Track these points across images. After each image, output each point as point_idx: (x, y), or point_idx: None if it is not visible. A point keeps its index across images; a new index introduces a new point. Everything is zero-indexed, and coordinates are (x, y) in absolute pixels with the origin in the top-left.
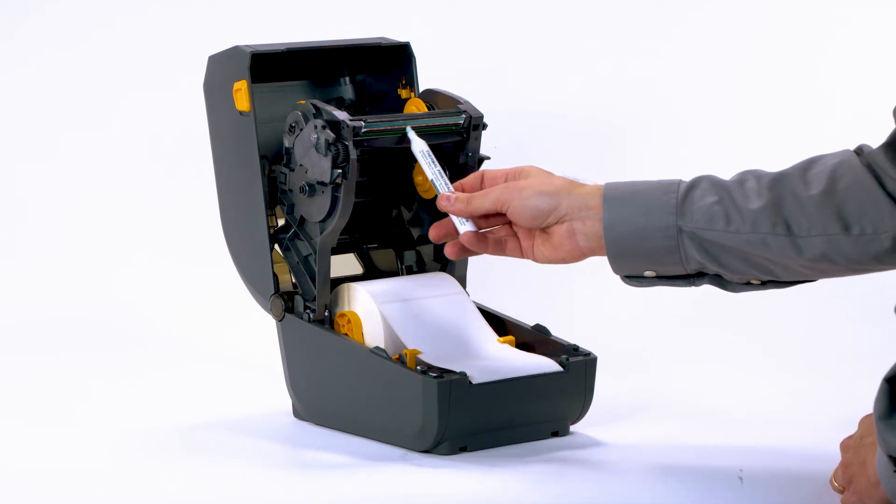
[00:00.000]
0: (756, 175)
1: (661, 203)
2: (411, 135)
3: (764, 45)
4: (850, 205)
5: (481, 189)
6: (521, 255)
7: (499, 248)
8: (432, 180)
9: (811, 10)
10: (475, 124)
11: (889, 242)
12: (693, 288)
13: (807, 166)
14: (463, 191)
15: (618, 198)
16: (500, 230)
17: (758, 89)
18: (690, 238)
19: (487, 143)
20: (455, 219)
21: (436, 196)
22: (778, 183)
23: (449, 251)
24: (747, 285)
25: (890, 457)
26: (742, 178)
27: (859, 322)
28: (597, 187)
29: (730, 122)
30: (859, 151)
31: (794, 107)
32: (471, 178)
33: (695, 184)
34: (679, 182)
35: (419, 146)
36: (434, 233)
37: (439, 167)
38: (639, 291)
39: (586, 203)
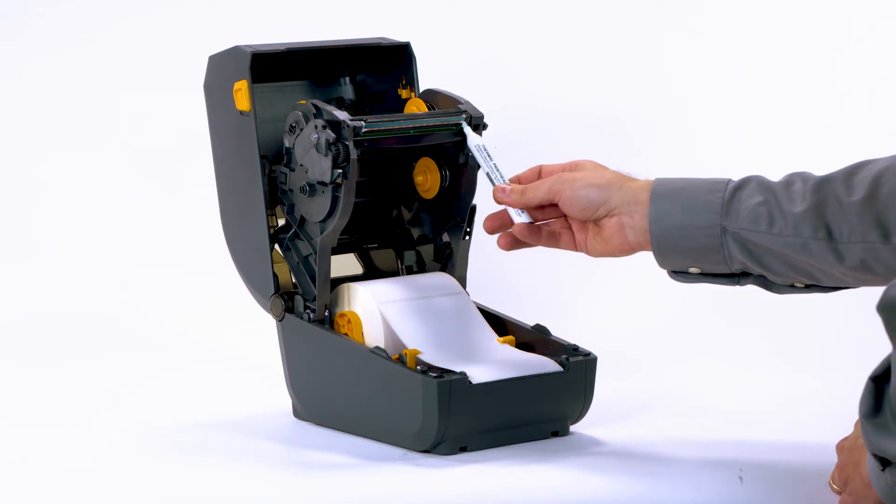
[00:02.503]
0: (803, 177)
1: (707, 201)
2: (467, 130)
3: (770, 41)
4: (891, 213)
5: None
6: (575, 248)
7: (552, 241)
8: (488, 174)
9: (818, 7)
10: (475, 124)
11: None
12: (738, 287)
13: (853, 170)
14: (519, 183)
15: (665, 193)
16: (555, 223)
17: (764, 87)
18: (734, 238)
19: (487, 143)
20: (511, 211)
21: (436, 196)
22: (823, 186)
23: (502, 242)
24: (791, 288)
25: (875, 455)
26: (789, 180)
27: (859, 322)
28: (647, 182)
29: (734, 120)
30: None
31: (800, 105)
32: (528, 172)
33: (743, 184)
34: (728, 181)
35: (475, 140)
36: (489, 224)
37: (496, 161)
38: (638, 292)
39: (636, 198)
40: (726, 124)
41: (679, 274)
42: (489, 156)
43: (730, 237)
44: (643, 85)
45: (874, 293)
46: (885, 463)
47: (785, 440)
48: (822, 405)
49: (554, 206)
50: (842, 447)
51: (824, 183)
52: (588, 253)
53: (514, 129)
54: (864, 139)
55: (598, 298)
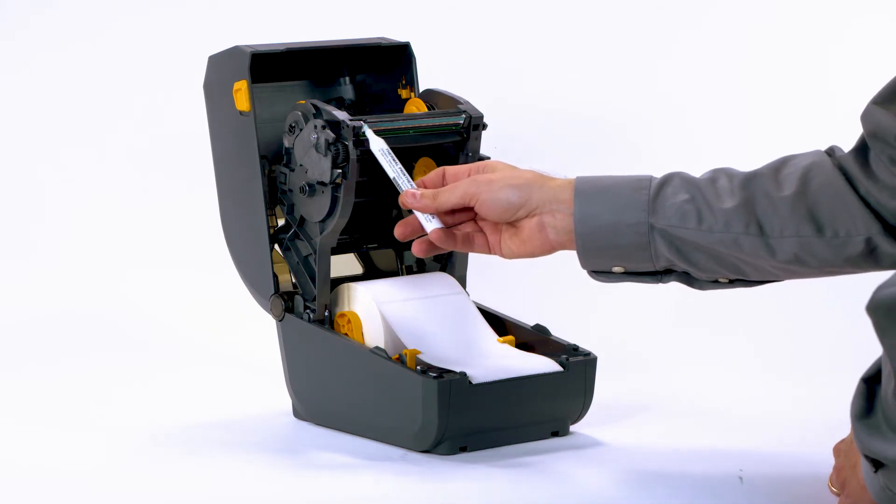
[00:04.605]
0: (727, 174)
1: (633, 199)
2: (369, 133)
3: (766, 42)
4: (823, 207)
5: (443, 185)
6: (489, 250)
7: (467, 245)
8: (394, 178)
9: (814, 8)
10: (475, 124)
11: (862, 246)
12: (661, 285)
13: (779, 166)
14: (426, 187)
15: (589, 192)
16: (467, 226)
17: (762, 85)
18: (662, 235)
19: (487, 143)
20: (421, 216)
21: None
22: (750, 182)
23: (416, 249)
24: (715, 283)
25: (866, 456)
26: (714, 177)
27: (859, 323)
28: (568, 181)
29: (732, 118)
30: (830, 153)
31: (796, 106)
32: (432, 175)
33: (666, 180)
34: (650, 178)
35: (378, 144)
36: (399, 231)
37: (400, 165)
38: (639, 292)
39: (557, 197)
40: (724, 122)
41: (601, 274)
42: (394, 159)
43: (657, 234)
44: (642, 84)
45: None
46: (877, 464)
47: (784, 441)
48: (821, 406)
49: (466, 209)
50: (838, 449)
51: (751, 179)
52: (502, 255)
53: (514, 129)
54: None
55: (598, 298)
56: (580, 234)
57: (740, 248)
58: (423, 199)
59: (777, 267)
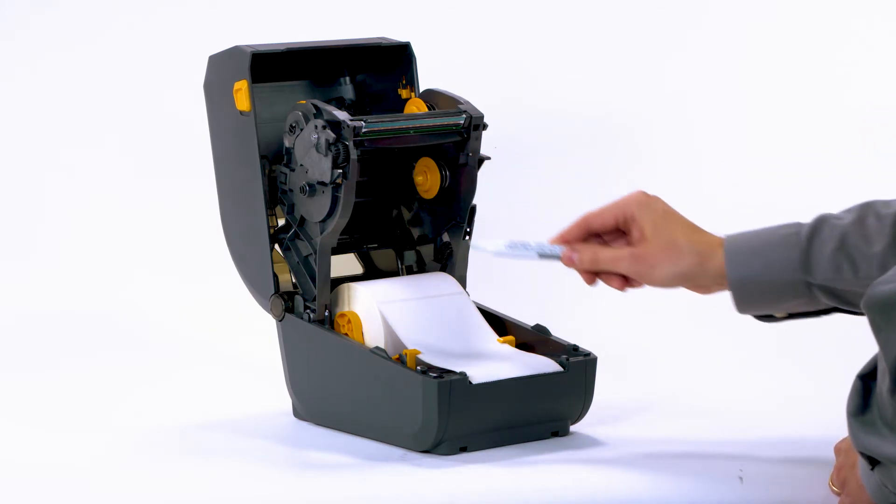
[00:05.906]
0: (875, 212)
1: (786, 258)
2: (484, 244)
3: (768, 43)
4: None
5: (584, 238)
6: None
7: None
8: (539, 254)
9: (815, 8)
10: (475, 124)
11: None
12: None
13: None
14: (567, 241)
15: (741, 253)
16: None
17: (766, 83)
18: (820, 289)
19: (488, 143)
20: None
21: (436, 196)
22: None
23: (615, 284)
24: None
25: (863, 454)
26: (861, 216)
27: (860, 321)
28: (718, 242)
29: (735, 117)
30: None
31: (798, 107)
32: (574, 230)
33: (815, 231)
34: (798, 229)
35: (495, 247)
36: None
37: (533, 243)
38: (640, 292)
39: (719, 274)
40: (727, 122)
41: (764, 317)
42: (524, 247)
43: (816, 289)
44: (643, 83)
45: None
46: (873, 462)
47: (785, 440)
48: (821, 406)
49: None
50: (839, 448)
51: None
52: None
53: (514, 129)
54: (872, 137)
55: (598, 298)
56: (737, 296)
57: None
58: (581, 264)
59: None
